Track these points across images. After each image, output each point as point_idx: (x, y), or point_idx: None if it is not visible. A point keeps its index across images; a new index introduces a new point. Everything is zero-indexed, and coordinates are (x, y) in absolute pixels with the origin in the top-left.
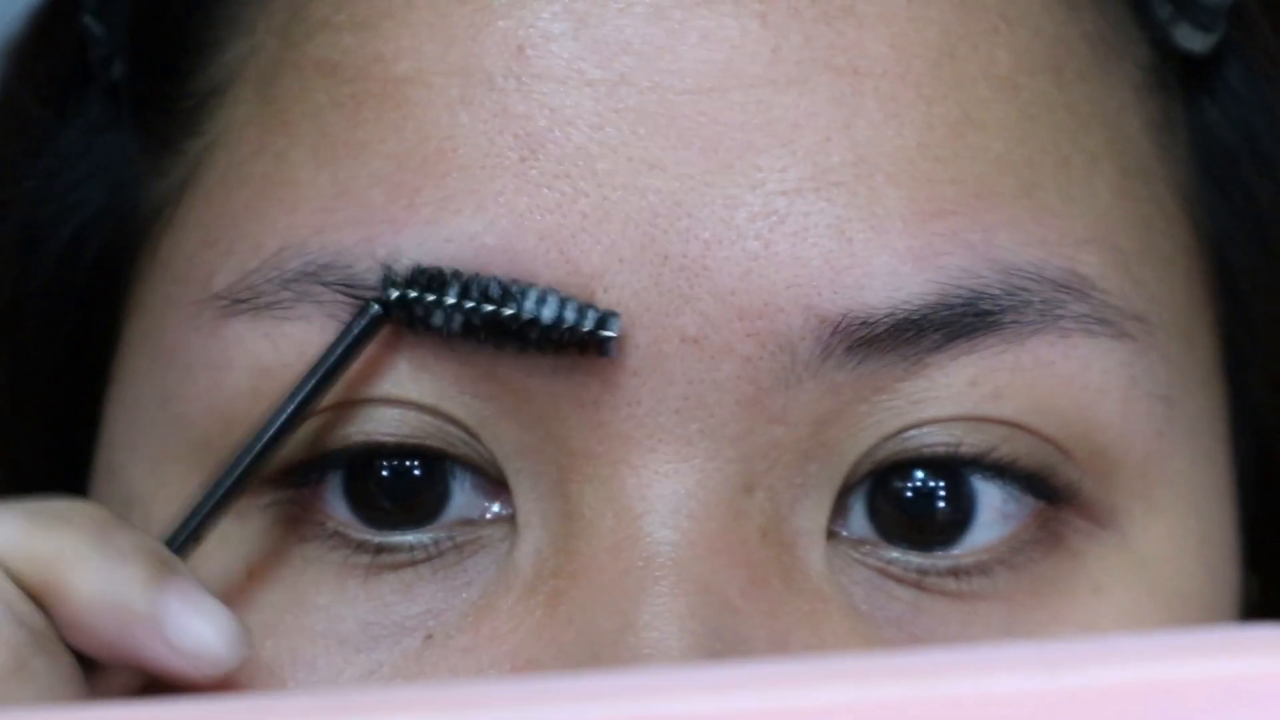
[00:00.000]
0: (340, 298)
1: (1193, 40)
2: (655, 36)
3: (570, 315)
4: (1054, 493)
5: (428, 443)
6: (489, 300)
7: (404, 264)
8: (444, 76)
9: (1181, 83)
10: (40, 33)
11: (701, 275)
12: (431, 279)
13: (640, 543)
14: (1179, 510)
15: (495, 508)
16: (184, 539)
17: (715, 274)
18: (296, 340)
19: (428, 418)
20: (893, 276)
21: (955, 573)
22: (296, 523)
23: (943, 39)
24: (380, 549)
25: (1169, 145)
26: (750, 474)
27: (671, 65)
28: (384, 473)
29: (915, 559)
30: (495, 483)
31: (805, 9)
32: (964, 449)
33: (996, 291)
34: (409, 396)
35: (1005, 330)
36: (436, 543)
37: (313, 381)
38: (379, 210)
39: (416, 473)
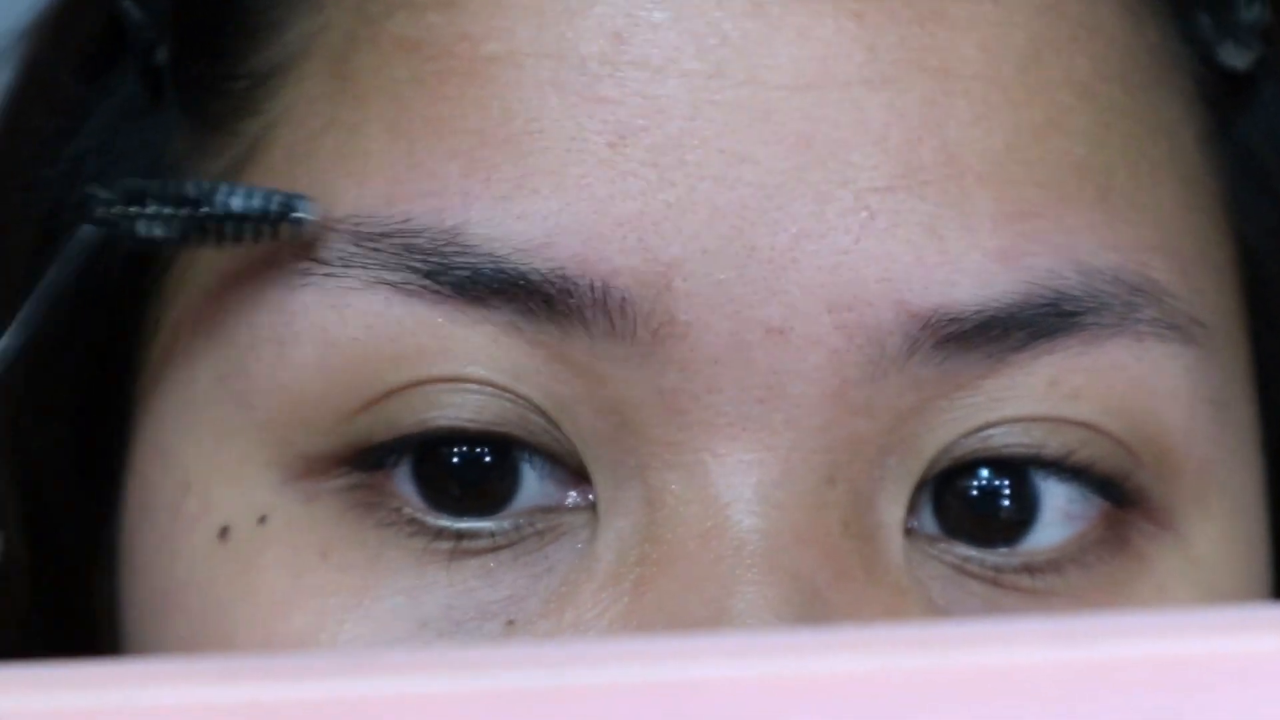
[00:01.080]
0: (407, 269)
1: (1235, 58)
2: (753, 31)
3: (257, 202)
4: (1124, 497)
5: (509, 430)
6: (185, 203)
7: (452, 248)
8: (535, 58)
9: (1222, 99)
10: (70, 13)
11: (790, 267)
12: (136, 193)
13: (728, 531)
14: (1229, 514)
15: (572, 496)
16: None
17: (804, 266)
18: (363, 312)
19: (507, 404)
20: (982, 274)
21: (1029, 569)
22: (371, 507)
23: (1028, 44)
24: (461, 535)
25: (1214, 159)
26: (833, 465)
27: (768, 60)
28: (454, 459)
29: (989, 556)
30: (572, 472)
31: (900, 10)
32: (1045, 451)
33: (1078, 293)
34: (482, 375)
35: (1085, 332)
36: (518, 528)
37: (34, 308)
38: (453, 183)
39: (487, 459)
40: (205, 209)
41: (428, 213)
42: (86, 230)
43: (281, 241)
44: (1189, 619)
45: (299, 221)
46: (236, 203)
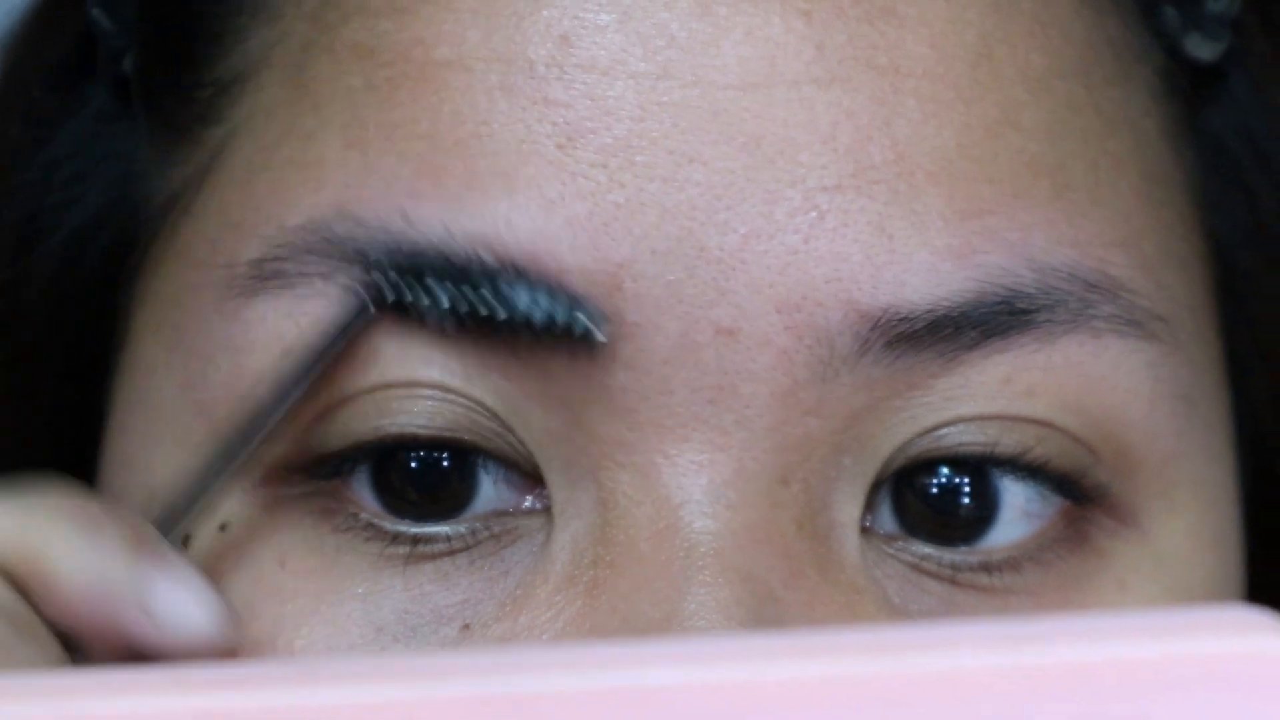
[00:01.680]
0: (358, 274)
1: (1202, 49)
2: (700, 31)
3: (560, 315)
4: (1083, 494)
5: (461, 436)
6: (477, 297)
7: (403, 250)
8: (485, 62)
9: (1189, 91)
10: (44, 23)
11: (739, 268)
12: (418, 270)
13: (680, 532)
14: (1195, 509)
15: (528, 500)
16: (174, 520)
17: (753, 267)
18: (319, 319)
19: (460, 409)
20: (933, 273)
21: (986, 568)
22: (329, 513)
23: (980, 41)
24: (417, 540)
25: (1181, 151)
26: (785, 466)
27: (715, 61)
28: (412, 464)
29: (947, 555)
30: (528, 476)
31: (849, 8)
32: (999, 449)
33: (1032, 290)
34: (435, 379)
35: (1039, 329)
36: (474, 532)
37: (302, 374)
38: (403, 185)
39: (445, 464)
40: (491, 307)
41: (378, 216)
42: (370, 312)
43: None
44: (1141, 622)
45: (590, 339)
46: (538, 315)
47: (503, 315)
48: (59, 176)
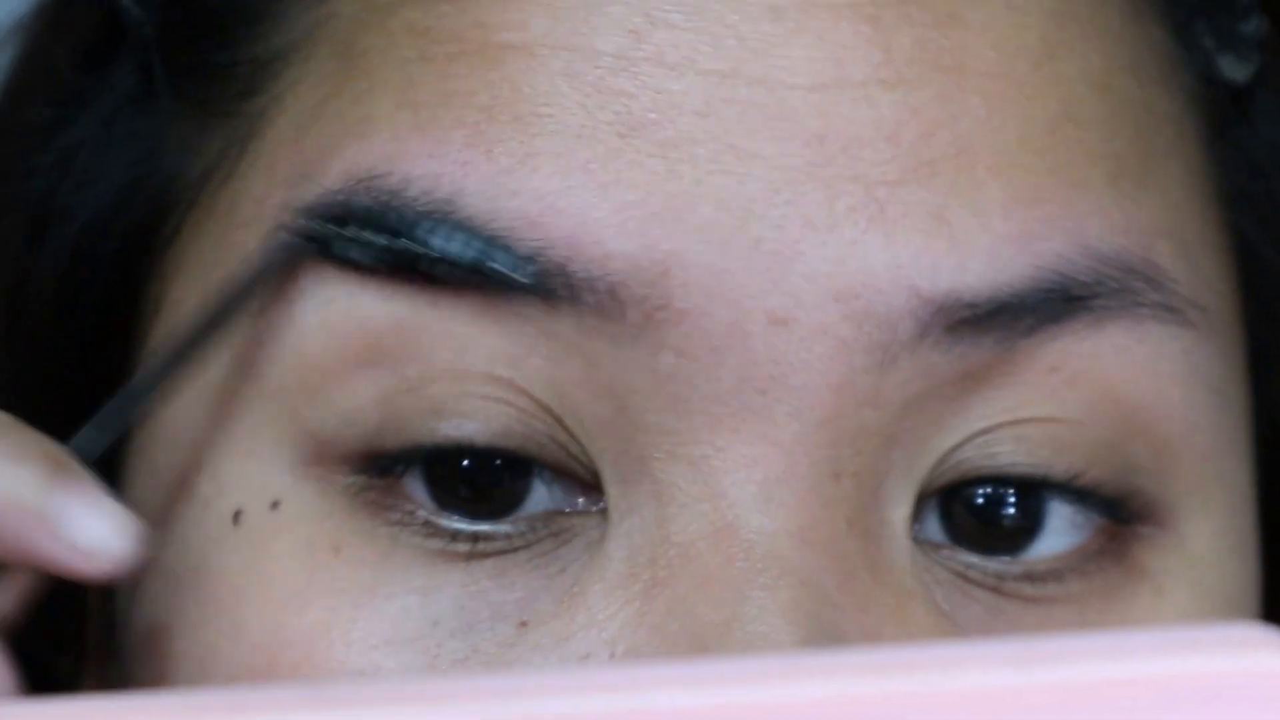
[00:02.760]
0: (397, 251)
1: (1235, 70)
2: (770, 33)
3: (455, 245)
4: (1129, 515)
5: (516, 443)
6: (384, 231)
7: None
8: (549, 49)
9: (1223, 107)
10: (68, 3)
11: (795, 260)
12: (341, 212)
13: (739, 533)
14: (1225, 508)
15: (582, 501)
16: (92, 445)
17: (810, 258)
18: (362, 288)
19: (512, 410)
20: (993, 259)
21: (1030, 578)
22: (383, 508)
23: (1041, 43)
24: (477, 538)
25: (1213, 157)
26: (837, 459)
27: (783, 61)
28: (465, 463)
29: (991, 564)
30: (579, 480)
31: (915, 14)
32: (1053, 474)
33: (1085, 278)
34: (480, 366)
35: (1091, 314)
36: (533, 529)
37: (216, 313)
38: (454, 151)
39: (498, 463)
40: (404, 241)
41: (427, 175)
42: (284, 239)
43: (486, 284)
44: (1148, 640)
45: (496, 274)
46: (436, 242)
47: (405, 244)
48: (81, 157)
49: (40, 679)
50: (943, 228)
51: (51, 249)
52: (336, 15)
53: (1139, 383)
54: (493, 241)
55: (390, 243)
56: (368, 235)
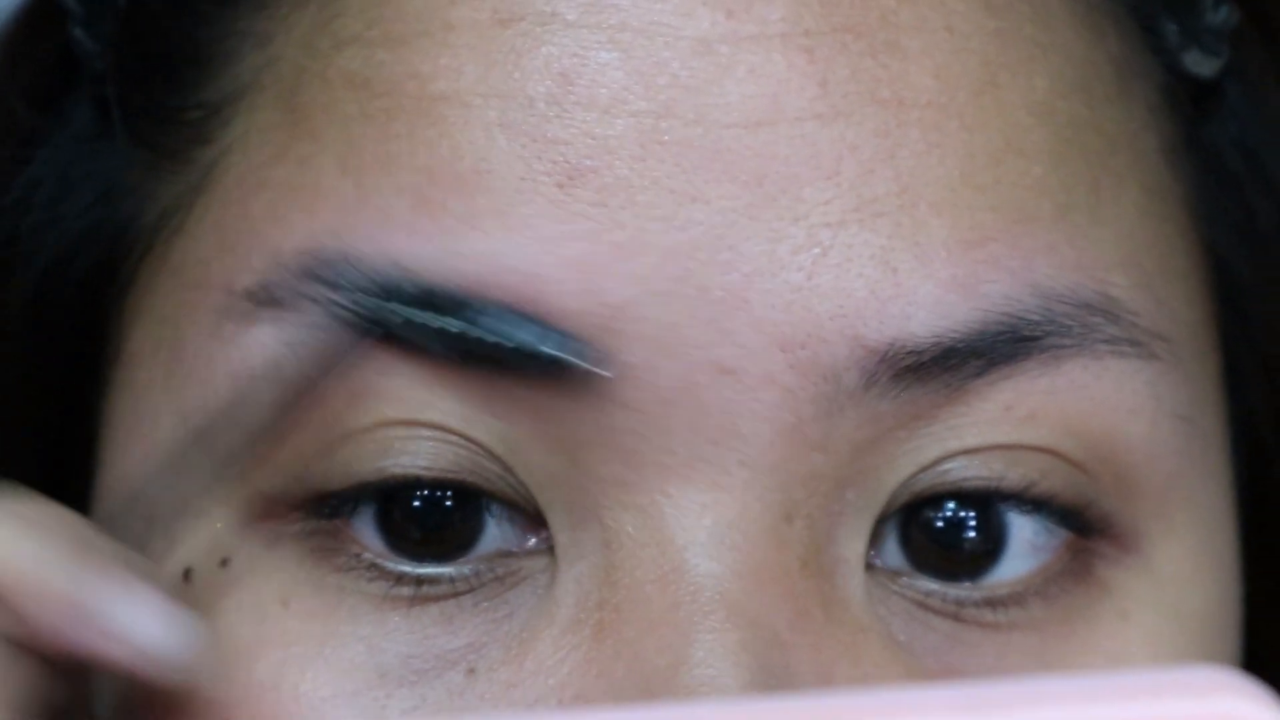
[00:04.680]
0: (355, 305)
1: (1202, 65)
2: (702, 69)
3: (562, 349)
4: (1088, 525)
5: (464, 477)
6: (477, 329)
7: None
8: (483, 98)
9: (1188, 106)
10: (24, 40)
11: (741, 308)
12: (416, 301)
13: (686, 575)
14: (1195, 530)
15: (532, 541)
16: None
17: (756, 306)
18: (308, 343)
19: (462, 450)
20: (938, 305)
21: (991, 604)
22: (330, 553)
23: (983, 68)
24: (421, 580)
25: (1179, 165)
26: (790, 503)
27: (718, 99)
28: (416, 504)
29: (952, 591)
30: (530, 517)
31: (851, 43)
32: (1005, 484)
33: (1036, 318)
34: (434, 419)
35: (1044, 354)
36: (478, 574)
37: (289, 399)
38: (400, 219)
39: (449, 504)
40: (474, 332)
41: (375, 248)
42: (326, 322)
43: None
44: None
45: (572, 367)
46: (508, 329)
47: (509, 345)
48: (40, 196)
49: None
50: (887, 274)
51: (16, 289)
52: (280, 59)
53: (1099, 418)
54: (548, 326)
55: (464, 329)
56: (428, 316)
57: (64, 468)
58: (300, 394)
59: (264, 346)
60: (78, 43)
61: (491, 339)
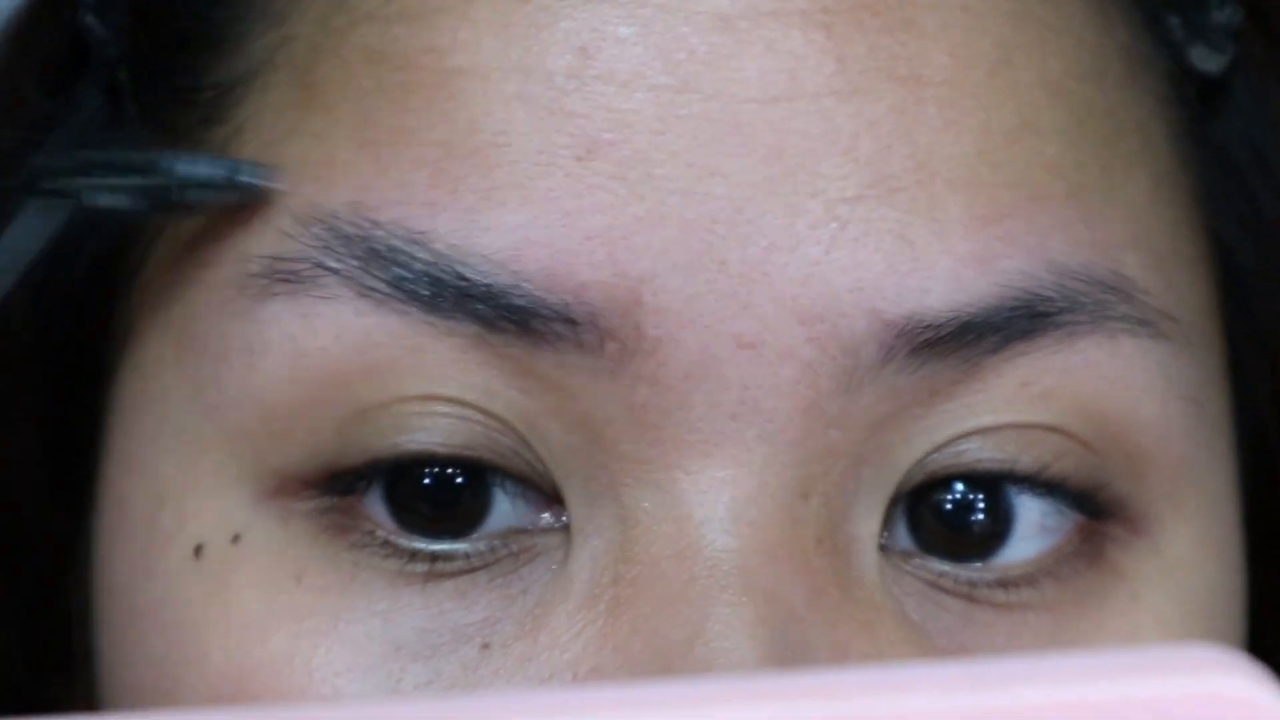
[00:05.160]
0: (374, 277)
1: (1208, 61)
2: (721, 45)
3: (203, 168)
4: (1099, 508)
5: (479, 454)
6: (132, 171)
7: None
8: (501, 72)
9: (1194, 101)
10: (34, 25)
11: (760, 281)
12: (82, 163)
13: (703, 551)
14: (1203, 514)
15: (545, 517)
16: None
17: (775, 279)
18: (332, 322)
19: (477, 426)
20: (955, 280)
21: (1004, 584)
22: (344, 530)
23: (998, 48)
24: (436, 557)
25: (1187, 156)
26: (807, 479)
27: (736, 74)
28: (425, 481)
29: (964, 572)
30: (544, 494)
31: (869, 20)
32: (1018, 466)
33: (1051, 294)
34: (452, 394)
35: (1059, 330)
36: (492, 550)
37: None
38: (419, 193)
39: (459, 481)
40: (154, 177)
41: (395, 220)
42: (33, 203)
43: (237, 211)
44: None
45: (248, 187)
46: (183, 168)
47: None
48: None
49: (33, 703)
50: (904, 248)
51: (26, 269)
52: (294, 37)
53: (1112, 397)
54: (240, 161)
55: (143, 181)
56: (115, 180)
57: (66, 454)
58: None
59: (279, 320)
60: (89, 29)
61: (173, 182)
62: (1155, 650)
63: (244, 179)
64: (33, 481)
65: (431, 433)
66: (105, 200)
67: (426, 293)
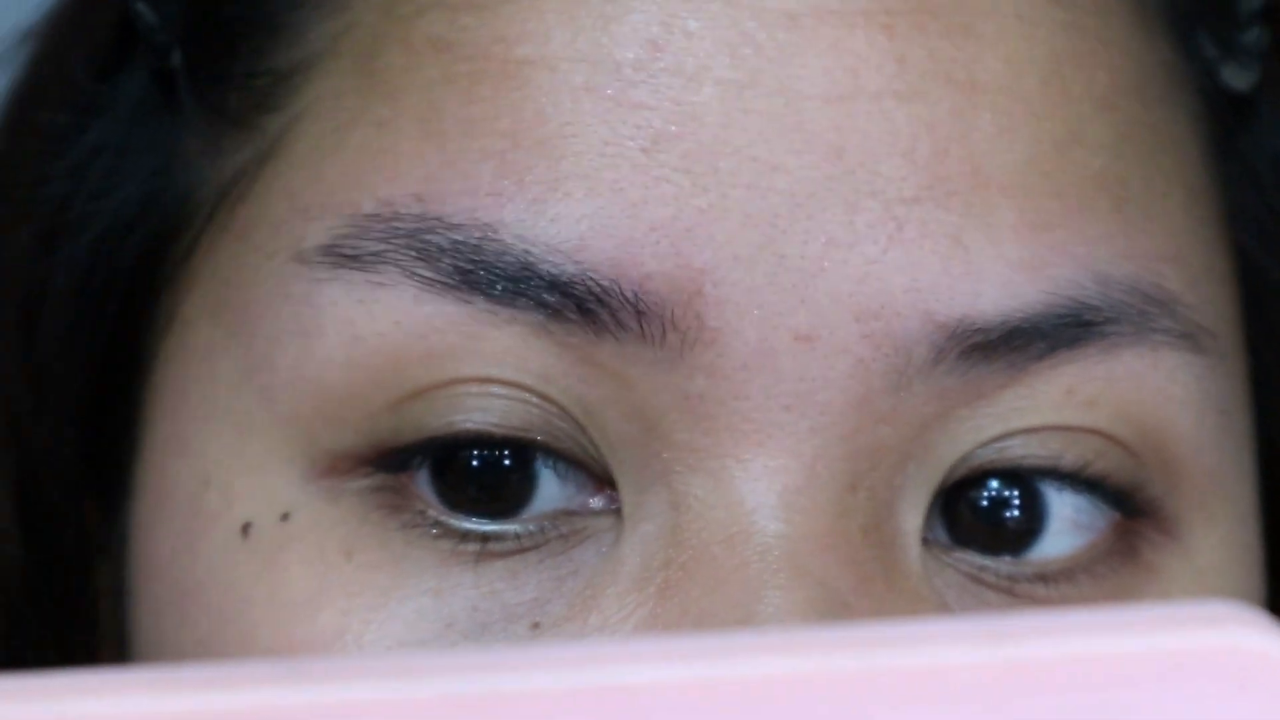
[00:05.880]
0: (438, 266)
1: (1238, 79)
2: (786, 42)
3: None
4: (1136, 508)
5: (535, 435)
6: None
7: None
8: (570, 63)
9: (1226, 117)
10: (84, 11)
11: (819, 276)
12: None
13: (753, 536)
14: (1230, 523)
15: (596, 501)
16: None
17: (832, 275)
18: (392, 308)
19: (534, 408)
20: (1006, 285)
21: (1043, 579)
22: (395, 509)
23: (1050, 58)
24: (487, 538)
25: (1217, 173)
26: (855, 473)
27: (800, 71)
28: (473, 462)
29: (1004, 566)
30: (595, 476)
31: (929, 24)
32: (1062, 464)
33: (1098, 303)
34: (509, 377)
35: (1105, 340)
36: (543, 530)
37: None
38: (485, 184)
39: (506, 463)
40: None
41: (461, 211)
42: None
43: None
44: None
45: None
46: None
47: None
48: (97, 165)
49: None
50: (958, 251)
51: (66, 258)
52: (357, 25)
53: (1153, 407)
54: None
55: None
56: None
57: (104, 443)
58: None
59: (336, 305)
60: (139, 15)
61: None
62: (1174, 606)
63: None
64: (67, 468)
65: (488, 413)
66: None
67: (490, 283)
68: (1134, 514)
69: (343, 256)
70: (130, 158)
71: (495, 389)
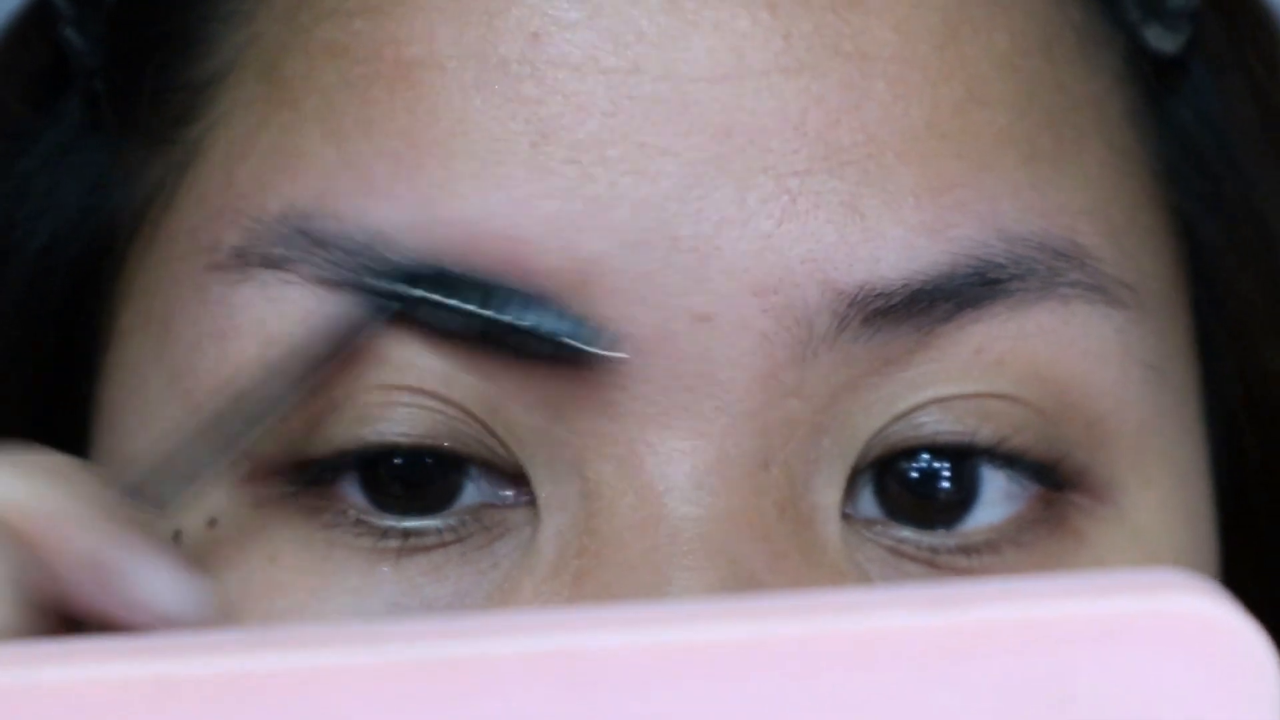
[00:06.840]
0: (337, 267)
1: (1163, 41)
2: (669, 26)
3: (548, 323)
4: (1061, 479)
5: (441, 443)
6: (491, 305)
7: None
8: (458, 60)
9: (1152, 79)
10: (18, 41)
11: (713, 255)
12: (433, 278)
13: (664, 520)
14: (1168, 483)
15: (513, 495)
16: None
17: (727, 253)
18: (299, 306)
19: (439, 415)
20: (906, 248)
21: (965, 550)
22: (317, 511)
23: (944, 24)
24: (408, 534)
25: (1145, 132)
26: (767, 449)
27: (684, 54)
28: (397, 461)
29: (926, 538)
30: (510, 474)
31: (813, 0)
32: (978, 439)
33: (1003, 261)
34: (412, 382)
35: (1011, 298)
36: (464, 524)
37: (298, 375)
38: (380, 184)
39: (429, 462)
40: (493, 314)
41: (356, 211)
42: (365, 306)
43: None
44: (1065, 583)
45: (580, 351)
46: (524, 312)
47: (525, 327)
48: (35, 188)
49: None
50: (855, 218)
51: (8, 278)
52: (262, 35)
53: (1067, 363)
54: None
55: (480, 311)
56: (454, 302)
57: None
58: (310, 375)
59: (249, 306)
60: (68, 42)
61: (508, 320)
62: (1120, 573)
63: (583, 346)
64: None
65: (394, 423)
66: (435, 320)
67: (386, 283)
68: (1059, 486)
69: (252, 260)
70: (65, 178)
71: (401, 396)
